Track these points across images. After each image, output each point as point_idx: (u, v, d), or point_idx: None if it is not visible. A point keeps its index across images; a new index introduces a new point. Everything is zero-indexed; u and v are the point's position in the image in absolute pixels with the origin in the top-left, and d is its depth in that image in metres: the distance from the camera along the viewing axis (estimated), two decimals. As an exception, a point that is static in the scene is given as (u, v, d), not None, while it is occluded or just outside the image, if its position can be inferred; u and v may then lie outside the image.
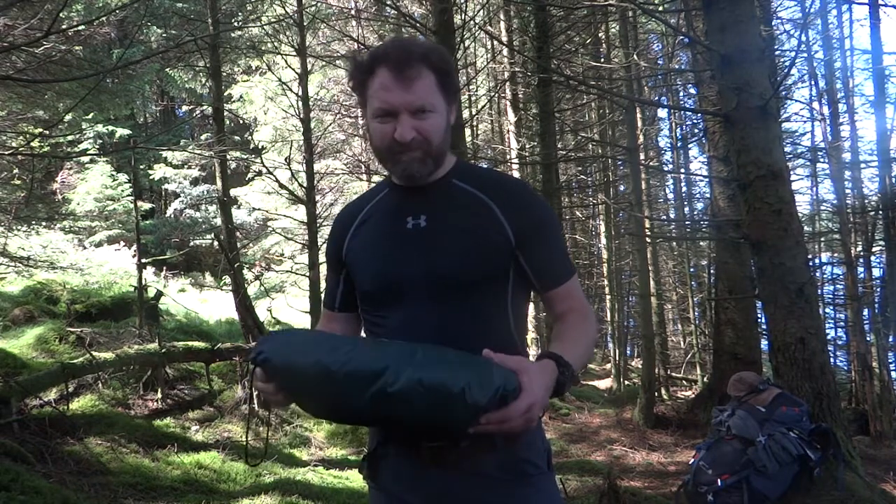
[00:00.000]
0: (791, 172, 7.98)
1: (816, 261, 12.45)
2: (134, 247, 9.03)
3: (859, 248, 10.66)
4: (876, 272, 11.11)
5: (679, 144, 15.20)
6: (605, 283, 14.07)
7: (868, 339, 9.39)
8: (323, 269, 8.16)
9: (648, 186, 13.07)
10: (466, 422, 0.99)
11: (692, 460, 3.75)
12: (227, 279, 11.51)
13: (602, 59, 11.14)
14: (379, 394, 1.00)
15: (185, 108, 19.68)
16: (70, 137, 11.16)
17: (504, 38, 11.69)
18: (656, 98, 14.39)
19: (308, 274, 8.30)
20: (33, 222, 8.52)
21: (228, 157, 9.45)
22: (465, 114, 11.00)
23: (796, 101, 11.64)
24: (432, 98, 1.20)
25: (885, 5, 8.46)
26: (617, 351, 13.15)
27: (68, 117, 8.59)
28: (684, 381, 13.85)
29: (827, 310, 12.98)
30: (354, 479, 4.70)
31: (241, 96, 14.00)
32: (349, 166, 13.03)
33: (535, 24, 9.25)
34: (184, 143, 15.22)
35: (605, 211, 13.27)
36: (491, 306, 1.25)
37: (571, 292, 1.31)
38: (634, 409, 8.92)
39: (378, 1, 11.71)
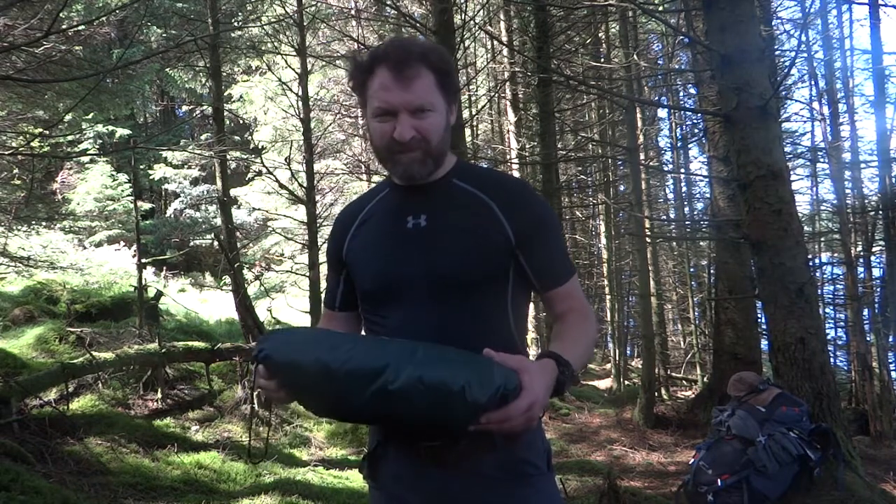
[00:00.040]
0: (791, 172, 7.98)
1: (816, 261, 12.45)
2: (134, 247, 9.03)
3: (859, 248, 10.66)
4: (876, 272, 11.11)
5: (679, 144, 15.21)
6: (605, 283, 14.07)
7: (868, 339, 9.39)
8: (323, 269, 8.17)
9: (648, 186, 13.07)
10: (466, 420, 0.99)
11: (692, 460, 3.75)
12: (227, 279, 11.51)
13: (602, 59, 11.14)
14: (379, 392, 1.00)
15: (185, 108, 19.68)
16: (70, 137, 11.16)
17: (504, 38, 11.69)
18: (656, 98, 14.39)
19: (308, 274, 8.30)
20: (33, 222, 8.52)
21: (228, 157, 9.45)
22: (465, 114, 11.00)
23: (796, 101, 11.65)
24: (431, 97, 1.20)
25: (885, 5, 8.46)
26: (617, 351, 13.15)
27: (68, 117, 8.59)
28: (684, 381, 13.85)
29: (827, 310, 12.98)
30: (354, 479, 4.70)
31: (241, 96, 14.00)
32: (349, 166, 13.03)
33: (535, 24, 9.25)
34: (184, 143, 15.22)
35: (605, 211, 13.27)
36: (491, 306, 1.25)
37: (571, 292, 1.31)
38: (634, 409, 8.92)
39: (378, 1, 11.71)
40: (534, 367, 1.04)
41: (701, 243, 13.76)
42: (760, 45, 4.17)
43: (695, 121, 13.31)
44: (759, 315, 7.61)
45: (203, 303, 12.60)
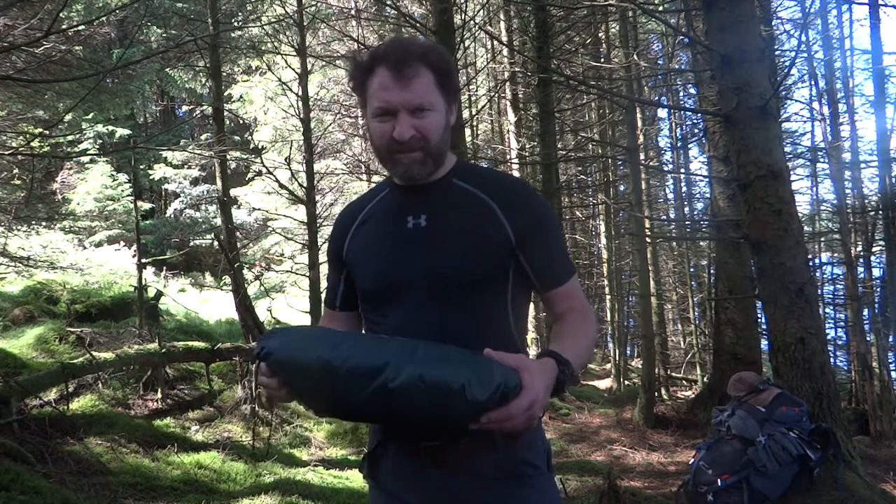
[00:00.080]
0: (791, 172, 7.98)
1: (816, 261, 12.45)
2: (134, 247, 9.03)
3: (859, 248, 10.65)
4: (876, 272, 11.11)
5: (679, 144, 15.21)
6: (605, 283, 14.07)
7: (868, 339, 9.39)
8: (323, 269, 8.17)
9: (648, 186, 13.07)
10: (467, 419, 1.00)
11: (692, 460, 3.75)
12: (227, 279, 11.51)
13: (602, 59, 11.14)
14: (380, 390, 1.01)
15: (185, 108, 19.68)
16: (70, 137, 11.16)
17: (504, 38, 11.69)
18: (656, 98, 14.39)
19: (308, 274, 8.30)
20: (33, 222, 8.52)
21: (228, 157, 9.45)
22: (465, 114, 11.00)
23: (796, 101, 11.65)
24: (431, 97, 1.20)
25: (885, 5, 8.46)
26: (617, 351, 13.15)
27: (68, 117, 8.59)
28: (684, 381, 13.85)
29: (827, 310, 12.98)
30: (354, 479, 4.70)
31: (241, 96, 14.01)
32: (349, 166, 13.03)
33: (535, 24, 9.26)
34: (184, 143, 15.23)
35: (605, 211, 13.27)
36: (491, 306, 1.25)
37: (571, 292, 1.31)
38: (634, 409, 8.91)
39: (378, 1, 11.71)
40: (534, 365, 1.04)
41: (701, 243, 13.76)
42: (760, 45, 4.17)
43: (695, 121, 13.32)
44: (759, 315, 7.61)
45: (203, 303, 12.60)
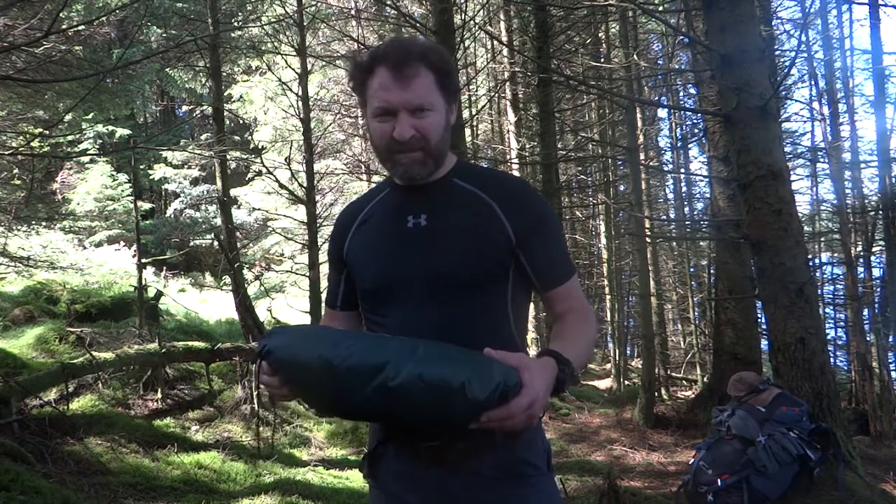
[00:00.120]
0: (791, 172, 7.98)
1: (816, 261, 12.45)
2: (134, 247, 9.03)
3: (859, 248, 10.65)
4: (876, 272, 11.11)
5: (679, 144, 15.20)
6: (605, 283, 14.07)
7: (868, 339, 9.39)
8: (323, 269, 8.17)
9: (648, 186, 13.07)
10: (466, 418, 1.00)
11: (692, 460, 3.75)
12: (227, 279, 11.51)
13: (602, 59, 11.14)
14: (380, 388, 1.01)
15: (185, 108, 19.69)
16: (70, 137, 11.16)
17: (504, 38, 11.70)
18: (656, 98, 14.39)
19: (308, 274, 8.30)
20: (33, 222, 8.52)
21: (228, 157, 9.45)
22: (465, 114, 11.00)
23: (796, 101, 11.65)
24: (431, 97, 1.20)
25: (885, 5, 8.46)
26: (617, 351, 13.14)
27: (68, 117, 8.59)
28: (684, 381, 13.85)
29: (827, 310, 12.98)
30: (354, 479, 4.70)
31: (241, 96, 14.01)
32: (349, 166, 13.03)
33: (535, 24, 9.26)
34: (184, 143, 15.23)
35: (605, 211, 13.27)
36: (491, 306, 1.25)
37: (571, 292, 1.31)
38: (634, 409, 8.91)
39: (378, 1, 11.71)
40: (534, 364, 1.04)
41: (701, 243, 13.76)
42: (760, 45, 4.17)
43: (695, 121, 13.32)
44: (759, 315, 7.61)
45: (203, 303, 12.60)
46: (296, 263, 12.18)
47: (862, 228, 10.76)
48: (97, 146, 13.75)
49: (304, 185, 8.29)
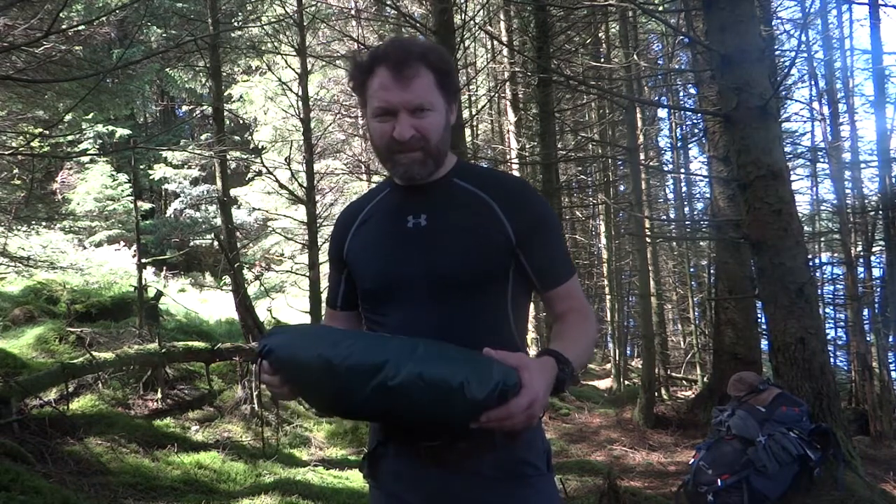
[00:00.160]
0: (791, 172, 7.98)
1: (816, 261, 12.44)
2: (134, 247, 9.03)
3: (859, 248, 10.65)
4: (876, 272, 11.11)
5: (679, 144, 15.20)
6: (605, 283, 14.07)
7: (868, 339, 9.39)
8: (323, 269, 8.17)
9: (648, 186, 13.07)
10: (466, 417, 1.00)
11: (692, 460, 3.75)
12: (227, 279, 11.51)
13: (602, 59, 11.14)
14: (379, 387, 1.01)
15: (185, 108, 19.69)
16: (70, 137, 11.16)
17: (504, 38, 11.70)
18: (656, 98, 14.39)
19: (308, 274, 8.30)
20: (33, 222, 8.52)
21: (228, 157, 9.45)
22: (465, 114, 11.00)
23: (796, 101, 11.65)
24: (431, 97, 1.20)
25: (885, 5, 8.46)
26: (617, 351, 13.14)
27: (68, 117, 8.59)
28: (684, 381, 13.85)
29: (827, 310, 12.97)
30: (354, 479, 4.70)
31: (241, 96, 14.01)
32: (349, 166, 13.03)
33: (535, 24, 9.26)
34: (184, 143, 15.23)
35: (605, 211, 13.27)
36: (491, 306, 1.25)
37: (571, 292, 1.31)
38: (634, 409, 8.91)
39: (378, 1, 11.71)
40: (533, 364, 1.04)
41: (701, 243, 13.76)
42: (760, 45, 4.17)
43: (695, 121, 13.32)
44: (759, 315, 7.61)
45: (203, 303, 12.60)
46: (296, 263, 12.18)
47: (862, 228, 10.75)
48: (97, 146, 13.75)
49: (304, 185, 8.29)
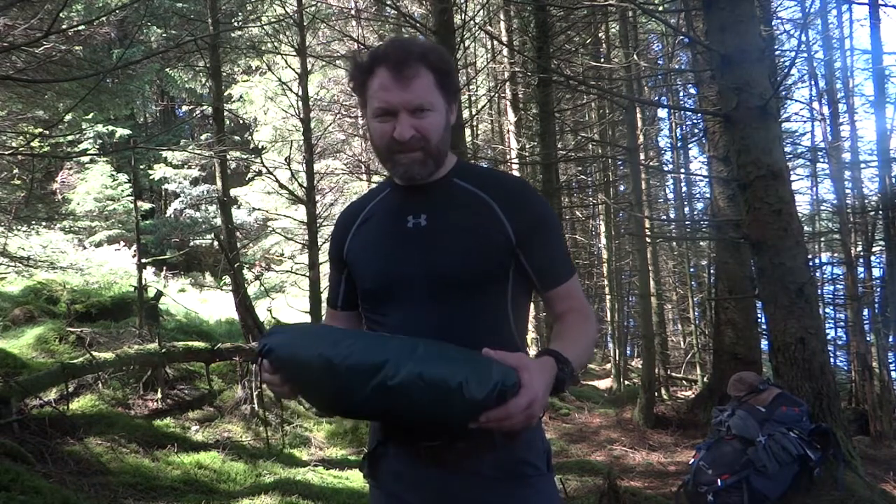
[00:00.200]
0: (791, 172, 7.98)
1: (816, 261, 12.44)
2: (134, 247, 9.03)
3: (859, 248, 10.65)
4: (876, 272, 11.11)
5: (679, 144, 15.20)
6: (605, 283, 14.07)
7: (868, 339, 9.39)
8: (323, 269, 8.18)
9: (648, 186, 13.07)
10: (464, 417, 1.00)
11: (692, 460, 3.75)
12: (227, 279, 11.51)
13: (602, 59, 11.14)
14: (379, 387, 1.01)
15: (185, 108, 19.69)
16: (70, 137, 11.16)
17: (504, 38, 11.70)
18: (656, 98, 14.39)
19: (308, 274, 8.30)
20: (33, 222, 8.52)
21: (228, 157, 9.45)
22: (465, 114, 11.00)
23: (796, 101, 11.65)
24: (431, 97, 1.20)
25: (885, 5, 8.46)
26: (617, 351, 13.14)
27: (68, 117, 8.59)
28: (684, 381, 13.85)
29: (827, 310, 12.97)
30: (354, 479, 4.70)
31: (241, 96, 14.01)
32: (349, 166, 13.03)
33: (535, 24, 9.26)
34: (184, 143, 15.23)
35: (605, 211, 13.27)
36: (491, 306, 1.25)
37: (572, 292, 1.31)
38: (634, 409, 8.91)
39: (378, 1, 11.71)
40: (533, 364, 1.04)
41: (701, 243, 13.76)
42: (760, 45, 4.17)
43: (695, 121, 13.32)
44: (759, 315, 7.61)
45: (203, 303, 12.60)
46: (296, 263, 12.18)
47: (862, 228, 10.76)
48: (97, 146, 13.74)
49: (304, 185, 8.29)
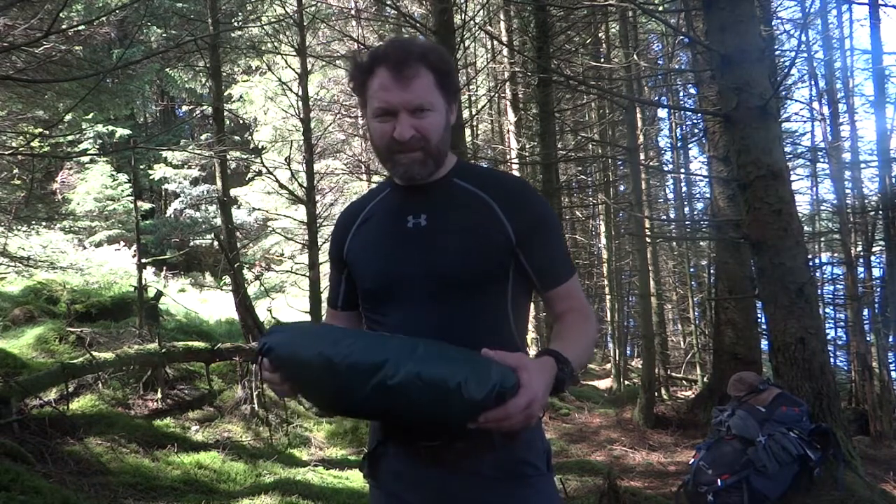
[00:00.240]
0: (791, 172, 7.97)
1: (816, 261, 12.44)
2: (134, 247, 9.03)
3: (859, 248, 10.65)
4: (876, 272, 11.11)
5: (679, 144, 15.20)
6: (605, 283, 14.07)
7: (868, 339, 9.39)
8: (323, 269, 8.18)
9: (648, 186, 13.07)
10: (464, 417, 1.00)
11: (692, 460, 3.76)
12: (227, 279, 11.51)
13: (602, 59, 11.14)
14: (379, 386, 1.02)
15: (185, 108, 19.69)
16: (70, 137, 11.16)
17: (504, 38, 11.70)
18: (656, 98, 14.39)
19: (308, 274, 8.30)
20: (33, 222, 8.52)
21: (228, 157, 9.45)
22: (465, 114, 11.00)
23: (796, 101, 11.65)
24: (431, 97, 1.20)
25: (885, 5, 8.46)
26: (617, 351, 13.14)
27: (68, 117, 8.59)
28: (684, 381, 13.85)
29: (827, 310, 12.97)
30: (354, 479, 4.70)
31: (241, 96, 14.01)
32: (349, 166, 13.03)
33: (535, 24, 9.26)
34: (184, 143, 15.23)
35: (605, 211, 13.27)
36: (491, 306, 1.25)
37: (572, 292, 1.31)
38: (634, 409, 8.91)
39: (378, 1, 11.71)
40: (532, 364, 1.04)
41: (701, 243, 13.76)
42: (760, 45, 4.17)
43: (695, 121, 13.32)
44: (759, 315, 7.61)
45: (203, 303, 12.60)
46: (296, 263, 12.19)
47: (862, 228, 10.75)
48: (97, 146, 13.74)
49: (304, 185, 8.29)
